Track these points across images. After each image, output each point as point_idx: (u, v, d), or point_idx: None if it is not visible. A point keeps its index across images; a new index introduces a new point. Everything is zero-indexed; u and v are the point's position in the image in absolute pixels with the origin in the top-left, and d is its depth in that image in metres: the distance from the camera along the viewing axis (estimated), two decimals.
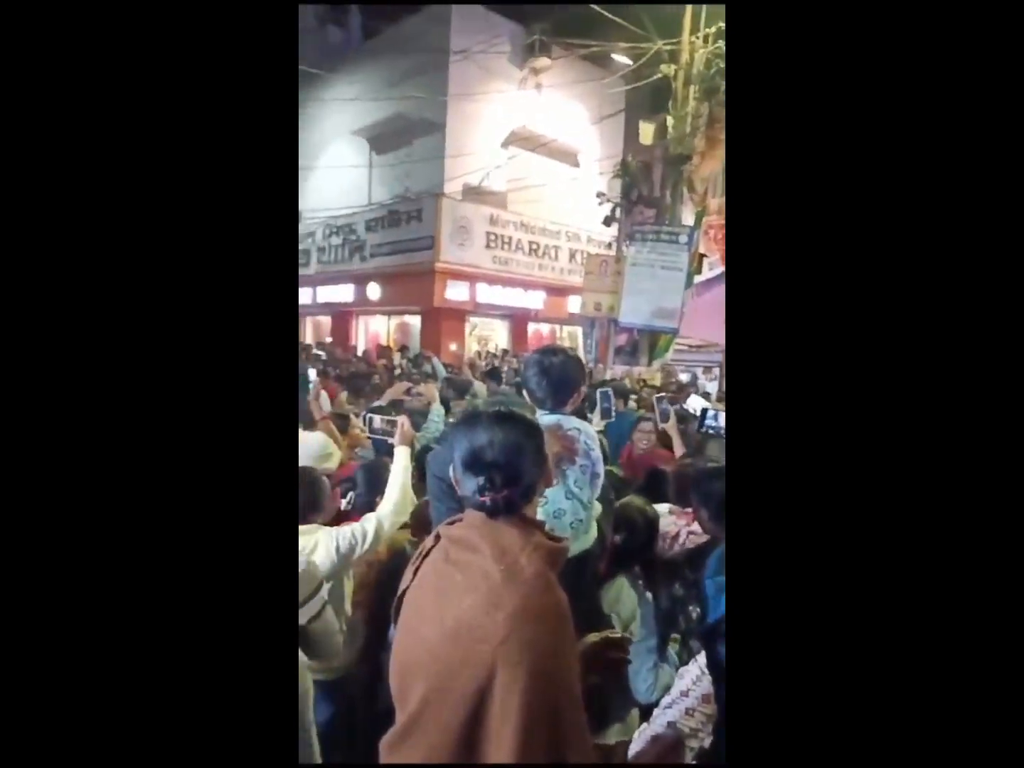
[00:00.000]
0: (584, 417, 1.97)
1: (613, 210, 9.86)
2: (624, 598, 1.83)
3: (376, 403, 3.76)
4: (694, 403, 4.61)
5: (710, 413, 1.58)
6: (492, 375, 6.70)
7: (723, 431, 1.55)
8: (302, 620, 1.45)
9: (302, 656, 1.45)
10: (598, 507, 1.87)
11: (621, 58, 10.30)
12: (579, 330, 10.18)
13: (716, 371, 10.49)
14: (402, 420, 2.32)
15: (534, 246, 13.18)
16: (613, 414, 4.02)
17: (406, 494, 2.04)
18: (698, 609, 1.69)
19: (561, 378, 1.76)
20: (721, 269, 13.06)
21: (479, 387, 5.55)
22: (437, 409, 3.78)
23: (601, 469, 1.83)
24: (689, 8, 8.58)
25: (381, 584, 2.07)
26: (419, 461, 2.35)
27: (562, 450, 1.72)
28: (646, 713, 1.81)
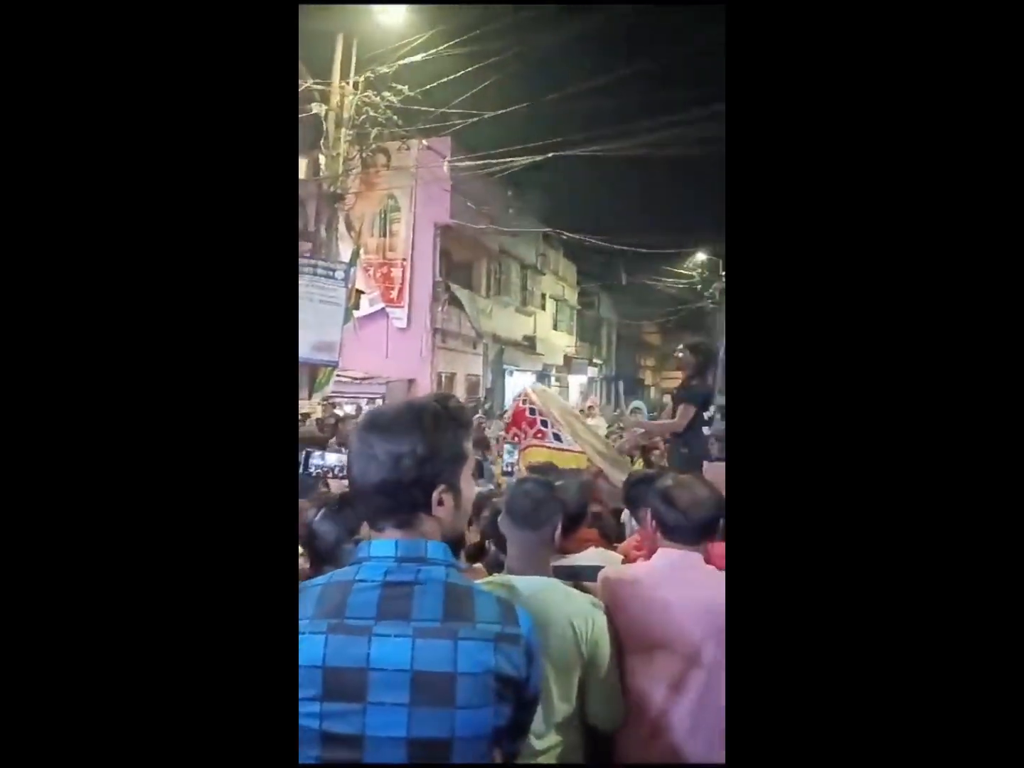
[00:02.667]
0: None
1: None
2: None
3: None
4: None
5: (315, 454, 1.58)
6: None
7: (328, 470, 1.58)
8: None
9: None
10: None
11: None
12: None
13: (380, 402, 10.80)
14: None
15: None
16: None
17: None
18: None
19: None
20: (381, 305, 13.60)
21: None
22: None
23: None
24: (340, 52, 8.83)
25: None
26: None
27: None
28: None
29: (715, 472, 2.23)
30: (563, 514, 1.88)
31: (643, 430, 4.79)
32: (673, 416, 3.82)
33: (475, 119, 8.86)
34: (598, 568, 1.86)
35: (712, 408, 3.74)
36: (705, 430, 3.70)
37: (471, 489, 1.03)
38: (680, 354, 3.93)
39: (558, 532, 1.58)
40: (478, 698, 0.88)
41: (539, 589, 1.48)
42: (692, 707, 1.55)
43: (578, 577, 1.88)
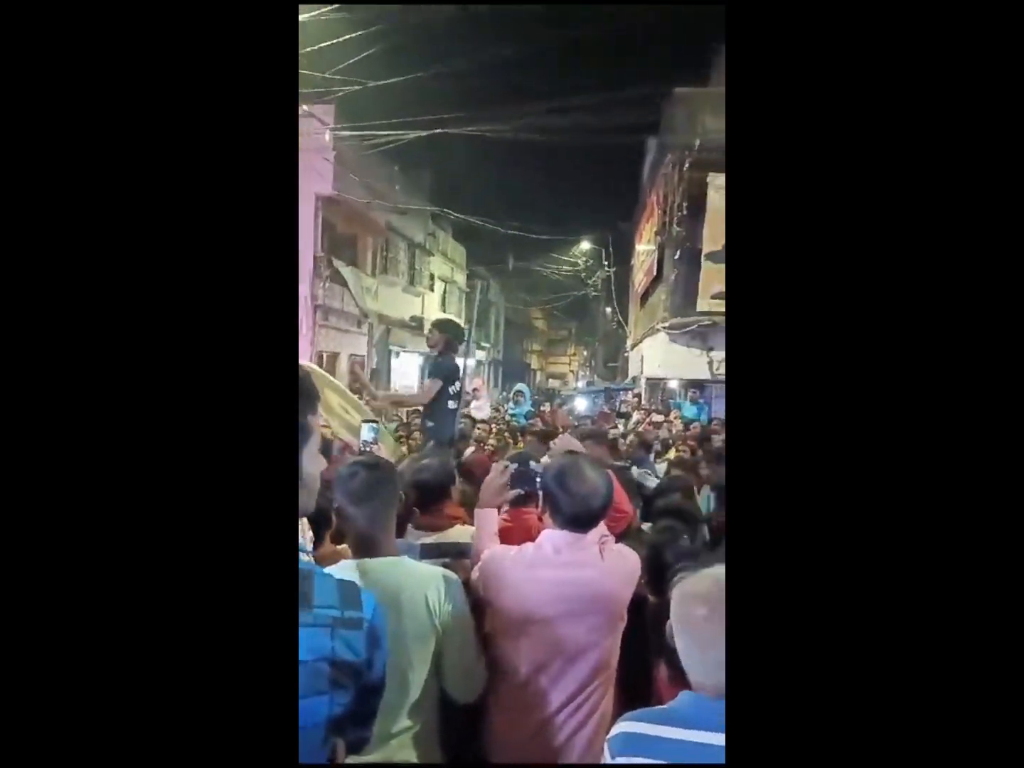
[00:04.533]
0: None
1: None
2: None
3: None
4: None
5: None
6: None
7: None
8: None
9: None
10: None
11: None
12: None
13: None
14: None
15: None
16: None
17: None
18: None
19: None
20: None
21: None
22: None
23: None
24: None
25: None
26: None
27: None
28: None
29: (566, 442, 2.28)
30: (412, 492, 1.86)
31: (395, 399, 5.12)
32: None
33: (359, 87, 8.50)
34: (464, 545, 1.84)
35: (458, 384, 3.82)
36: (451, 404, 3.76)
37: (316, 466, 0.96)
38: (429, 333, 3.99)
39: (388, 512, 1.53)
40: (311, 686, 0.84)
41: (389, 567, 1.45)
42: (574, 688, 1.57)
43: (444, 554, 1.86)
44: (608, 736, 1.13)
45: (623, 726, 1.11)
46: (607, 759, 1.10)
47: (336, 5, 7.54)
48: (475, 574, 1.64)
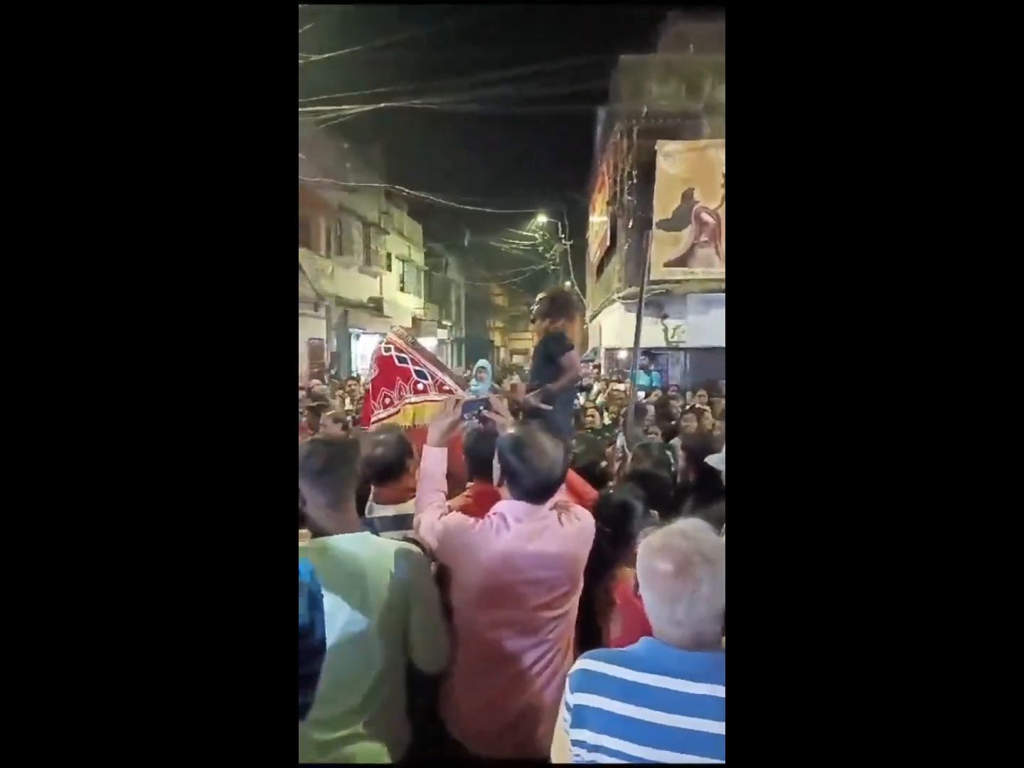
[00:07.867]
0: None
1: None
2: None
3: None
4: None
5: None
6: None
7: None
8: None
9: None
10: None
11: None
12: None
13: None
14: None
15: None
16: None
17: None
18: None
19: None
20: None
21: None
22: None
23: None
24: None
25: None
26: None
27: None
28: None
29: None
30: (369, 467, 1.88)
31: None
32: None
33: (300, 62, 8.25)
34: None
35: None
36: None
37: None
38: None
39: (347, 489, 1.54)
40: None
41: (352, 543, 1.47)
42: (537, 654, 1.60)
43: (401, 526, 1.89)
44: (569, 672, 1.18)
45: (583, 663, 1.16)
46: (567, 693, 1.15)
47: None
48: (434, 543, 1.65)
